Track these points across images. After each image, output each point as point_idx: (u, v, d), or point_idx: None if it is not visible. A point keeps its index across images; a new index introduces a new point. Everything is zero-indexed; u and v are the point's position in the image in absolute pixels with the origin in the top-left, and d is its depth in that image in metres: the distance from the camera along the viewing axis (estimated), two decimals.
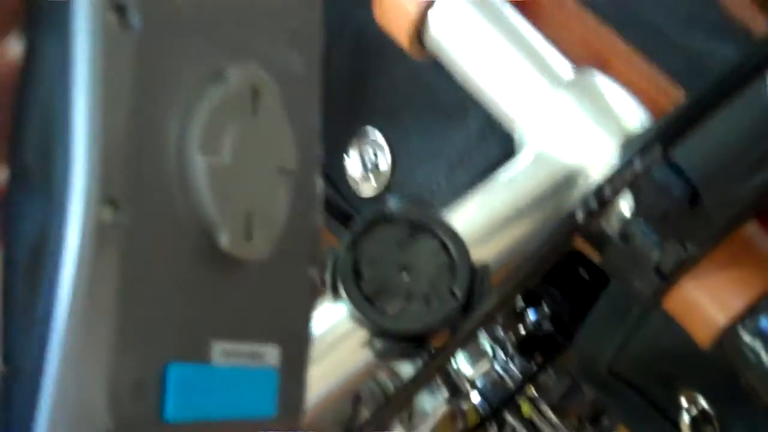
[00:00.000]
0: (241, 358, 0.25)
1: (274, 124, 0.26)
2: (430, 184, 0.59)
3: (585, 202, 0.28)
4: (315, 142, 0.28)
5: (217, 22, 0.24)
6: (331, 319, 0.40)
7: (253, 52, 0.25)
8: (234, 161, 0.24)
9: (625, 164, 0.27)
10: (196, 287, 0.24)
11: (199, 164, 0.23)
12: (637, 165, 0.27)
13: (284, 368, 0.26)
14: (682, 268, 0.37)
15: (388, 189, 0.62)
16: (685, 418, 0.50)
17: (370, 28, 0.61)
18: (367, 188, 0.63)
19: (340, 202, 0.63)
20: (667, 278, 0.38)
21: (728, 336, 0.39)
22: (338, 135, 0.63)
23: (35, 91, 0.21)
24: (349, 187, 0.63)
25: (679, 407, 0.51)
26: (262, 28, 0.26)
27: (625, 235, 0.38)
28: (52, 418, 0.20)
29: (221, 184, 0.23)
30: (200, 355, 0.24)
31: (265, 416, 0.26)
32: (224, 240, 0.23)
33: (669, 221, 0.35)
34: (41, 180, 0.21)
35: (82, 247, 0.20)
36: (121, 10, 0.21)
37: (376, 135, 0.62)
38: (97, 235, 0.21)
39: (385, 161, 0.62)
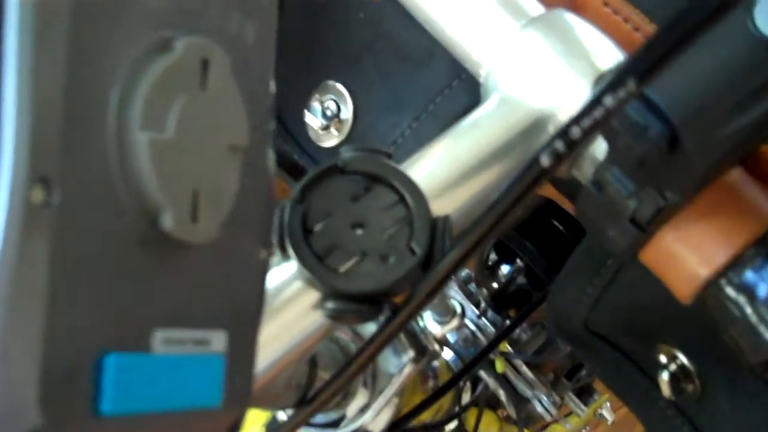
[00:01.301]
0: (185, 346, 0.24)
1: (224, 99, 0.24)
2: (394, 134, 0.56)
3: (551, 145, 0.25)
4: (268, 116, 0.27)
5: None
6: (280, 278, 0.37)
7: (202, 22, 0.24)
8: (179, 137, 0.23)
9: (595, 100, 0.24)
10: (136, 272, 0.22)
11: (140, 141, 0.22)
12: (609, 101, 0.24)
13: (232, 354, 0.25)
14: (661, 218, 0.34)
15: (349, 139, 0.59)
16: (664, 375, 0.48)
17: None
18: (329, 139, 0.60)
19: (299, 156, 0.61)
20: (644, 229, 0.35)
21: (710, 290, 0.36)
22: (298, 87, 0.60)
23: None
24: (309, 139, 0.61)
25: (657, 363, 0.49)
26: None
27: (598, 183, 0.36)
28: None
29: (165, 162, 0.22)
30: (140, 344, 0.22)
31: (210, 406, 0.25)
32: (168, 222, 0.22)
33: (646, 167, 0.32)
34: None
35: (10, 229, 0.19)
36: None
37: (338, 86, 0.59)
38: (26, 217, 0.19)
39: (347, 111, 0.59)
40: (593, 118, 0.24)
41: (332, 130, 0.60)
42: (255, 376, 0.37)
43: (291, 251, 0.35)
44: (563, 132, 0.25)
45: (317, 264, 0.35)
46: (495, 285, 0.79)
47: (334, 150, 0.60)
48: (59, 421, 0.20)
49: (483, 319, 0.82)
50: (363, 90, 0.58)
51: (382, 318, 0.36)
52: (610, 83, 0.24)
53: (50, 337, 0.20)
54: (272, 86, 0.27)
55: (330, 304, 0.35)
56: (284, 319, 0.37)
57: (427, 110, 0.55)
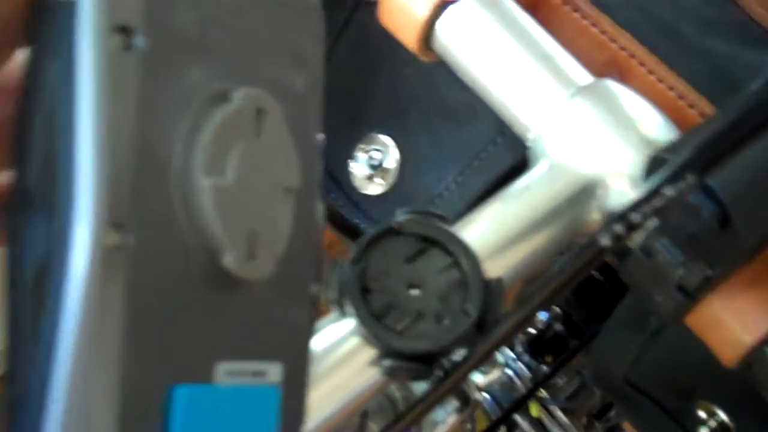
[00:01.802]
0: (245, 377, 0.25)
1: (277, 144, 0.25)
2: (439, 187, 0.58)
3: (610, 228, 0.27)
4: (316, 159, 0.28)
5: (222, 45, 0.24)
6: (338, 335, 0.38)
7: (256, 74, 0.25)
8: (238, 181, 0.24)
9: (655, 190, 0.26)
10: (200, 308, 0.23)
11: (203, 186, 0.23)
12: (669, 192, 0.25)
13: (286, 385, 0.26)
14: (708, 286, 0.36)
15: (394, 189, 0.61)
16: (703, 431, 0.49)
17: (373, 27, 0.59)
18: (373, 187, 0.62)
19: (343, 203, 0.62)
20: (691, 296, 0.36)
21: (754, 355, 0.37)
22: (344, 138, 0.62)
23: (37, 112, 0.21)
24: (353, 187, 0.62)
25: (696, 419, 0.49)
26: (265, 49, 0.25)
27: (647, 250, 0.37)
28: None
29: (225, 204, 0.23)
30: (205, 376, 0.23)
31: None
32: (228, 260, 0.23)
33: (696, 241, 0.34)
34: (44, 203, 0.21)
35: (88, 272, 0.20)
36: (125, 32, 0.21)
37: (383, 137, 0.61)
38: (104, 259, 0.20)
39: (391, 161, 0.60)
40: (652, 207, 0.26)
41: (376, 179, 0.61)
42: (314, 428, 0.38)
43: (349, 309, 0.37)
44: (623, 216, 0.26)
45: (375, 322, 0.36)
46: (532, 331, 0.80)
47: (379, 199, 0.62)
48: None
49: (519, 363, 0.82)
50: (408, 142, 0.60)
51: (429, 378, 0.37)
52: (672, 175, 0.25)
53: (126, 373, 0.21)
54: (320, 132, 0.28)
55: (386, 362, 0.37)
56: (342, 374, 0.38)
57: (472, 165, 0.56)
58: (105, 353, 0.21)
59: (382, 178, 0.61)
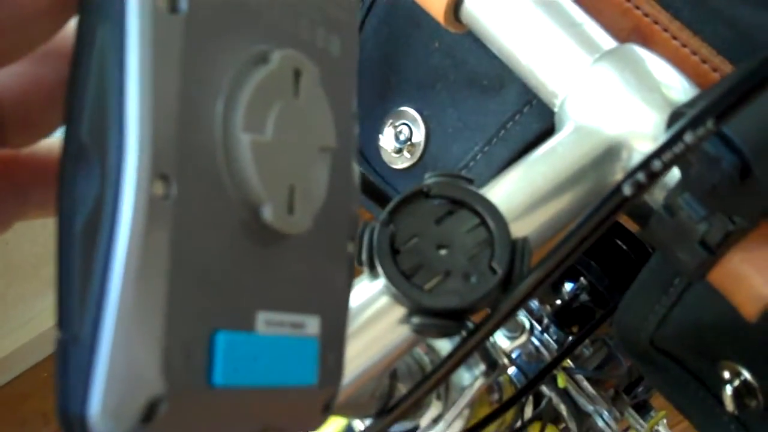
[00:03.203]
0: (284, 328, 0.26)
1: (313, 105, 0.26)
2: (466, 158, 0.58)
3: (633, 176, 0.28)
4: (352, 121, 0.29)
5: (260, 8, 0.25)
6: (368, 295, 0.40)
7: (294, 37, 0.26)
8: (276, 139, 0.25)
9: (675, 137, 0.27)
10: (241, 259, 0.24)
11: (243, 141, 0.24)
12: (689, 138, 0.26)
13: (324, 338, 0.27)
14: (729, 241, 0.36)
15: (422, 161, 0.62)
16: (728, 390, 0.50)
17: (399, 2, 0.60)
18: (402, 161, 0.63)
19: (373, 177, 0.63)
20: (714, 251, 0.37)
21: None
22: (373, 113, 0.63)
23: (88, 71, 0.22)
24: (382, 160, 0.63)
25: (721, 379, 0.50)
26: (303, 14, 0.27)
27: (669, 208, 0.38)
28: (107, 382, 0.21)
29: (264, 160, 0.24)
30: (246, 324, 0.24)
31: (307, 384, 0.27)
32: (268, 213, 0.24)
33: (717, 194, 0.34)
34: (96, 156, 0.22)
35: (135, 219, 0.21)
36: None
37: (411, 111, 0.62)
38: (150, 208, 0.22)
39: (419, 135, 0.61)
40: (673, 153, 0.26)
41: (405, 153, 0.62)
42: (346, 386, 0.39)
43: (379, 269, 0.38)
44: (645, 164, 0.27)
45: (404, 282, 0.38)
46: (558, 302, 0.81)
47: (407, 171, 0.63)
48: (178, 389, 0.22)
49: (546, 335, 0.83)
50: (435, 115, 0.61)
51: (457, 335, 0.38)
52: (691, 121, 0.26)
53: (171, 316, 0.22)
54: (354, 94, 0.29)
55: (416, 319, 0.38)
56: (372, 332, 0.40)
57: (499, 135, 0.57)
58: (151, 296, 0.22)
59: (410, 152, 0.62)
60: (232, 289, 0.24)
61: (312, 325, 0.27)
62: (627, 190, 0.28)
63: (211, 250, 0.23)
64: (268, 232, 0.25)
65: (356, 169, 0.29)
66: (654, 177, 0.27)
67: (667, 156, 0.27)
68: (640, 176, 0.28)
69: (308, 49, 0.26)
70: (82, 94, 0.22)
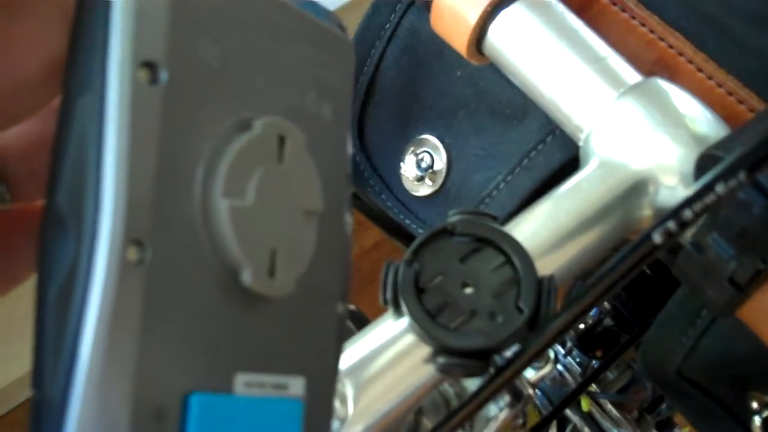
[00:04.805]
0: (265, 389, 0.26)
1: (299, 170, 0.27)
2: (488, 187, 0.58)
3: (663, 224, 0.27)
4: (344, 183, 0.29)
5: (246, 77, 0.26)
6: (392, 334, 0.39)
7: (280, 104, 0.27)
8: (258, 204, 0.25)
9: (707, 187, 0.26)
10: (219, 321, 0.25)
11: (222, 207, 0.24)
12: (720, 189, 0.26)
13: (310, 399, 0.27)
14: (759, 279, 0.36)
15: (443, 189, 0.61)
16: (756, 421, 0.49)
17: (422, 30, 0.60)
18: (423, 188, 0.62)
19: (393, 204, 0.63)
20: (743, 289, 0.37)
21: None
22: (394, 140, 0.63)
23: (69, 140, 0.23)
24: (404, 188, 0.63)
25: (749, 410, 0.50)
26: (291, 81, 0.27)
27: (698, 246, 0.37)
28: None
29: (244, 224, 0.25)
30: (223, 386, 0.25)
31: None
32: (247, 277, 0.25)
33: (746, 236, 0.34)
34: (72, 221, 0.22)
35: (107, 284, 0.22)
36: (150, 67, 0.23)
37: (432, 139, 0.61)
38: (122, 273, 0.22)
39: (440, 162, 0.61)
40: (704, 203, 0.26)
41: (427, 180, 0.62)
42: (372, 425, 0.39)
43: (404, 308, 0.38)
44: (675, 212, 0.27)
45: (429, 321, 0.37)
46: (582, 326, 0.80)
47: (428, 199, 0.62)
48: None
49: (569, 358, 0.83)
50: (457, 143, 0.60)
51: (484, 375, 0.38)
52: (723, 173, 0.26)
53: (141, 379, 0.22)
54: (348, 158, 0.29)
55: (441, 359, 0.37)
56: (397, 372, 0.39)
57: (522, 165, 0.56)
58: (121, 360, 0.22)
59: (432, 180, 0.62)
60: (208, 351, 0.24)
61: (296, 386, 0.27)
62: (657, 238, 0.28)
63: (186, 313, 0.24)
64: (249, 295, 0.25)
65: (348, 229, 0.29)
66: (684, 226, 0.27)
67: (698, 206, 0.26)
68: (671, 225, 0.27)
69: (296, 115, 0.27)
70: (62, 161, 0.23)
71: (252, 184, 0.25)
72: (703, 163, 0.36)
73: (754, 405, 0.50)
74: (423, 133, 0.62)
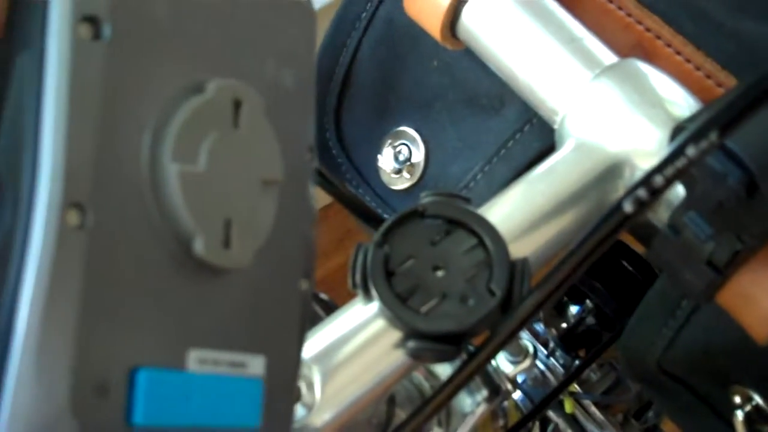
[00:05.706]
0: (221, 366, 0.25)
1: (256, 136, 0.26)
2: (466, 178, 0.57)
3: (634, 192, 0.26)
4: (307, 154, 0.28)
5: (201, 39, 0.25)
6: (362, 319, 0.38)
7: (237, 68, 0.26)
8: (211, 170, 0.24)
9: (678, 150, 0.25)
10: (170, 293, 0.24)
11: (171, 171, 0.23)
12: (691, 151, 0.25)
13: (271, 380, 0.26)
14: (737, 260, 0.35)
15: (421, 183, 0.61)
16: (739, 416, 0.48)
17: (399, 20, 0.59)
18: (401, 182, 0.61)
19: (371, 198, 0.62)
20: (722, 271, 0.36)
21: None
22: (371, 133, 0.62)
23: (7, 98, 0.22)
24: (381, 182, 0.62)
25: (732, 404, 0.49)
26: (249, 45, 0.26)
27: (675, 227, 0.36)
28: (15, 419, 0.20)
29: (196, 191, 0.24)
30: (174, 362, 0.24)
31: (249, 426, 0.26)
32: (199, 246, 0.24)
33: (723, 212, 0.33)
34: (11, 185, 0.21)
35: (45, 248, 0.21)
36: (92, 21, 0.22)
37: (410, 131, 0.61)
38: (61, 237, 0.21)
39: (418, 155, 0.60)
40: (675, 167, 0.25)
41: (404, 173, 0.61)
42: (340, 413, 0.38)
43: (373, 292, 0.37)
44: (646, 180, 0.26)
45: (399, 305, 0.36)
46: (564, 325, 0.79)
47: (406, 192, 0.61)
48: (92, 429, 0.21)
49: (552, 359, 0.82)
50: (435, 135, 0.59)
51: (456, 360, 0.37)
52: (693, 134, 0.25)
53: (82, 351, 0.21)
54: (312, 127, 0.28)
55: (411, 344, 0.36)
56: (367, 357, 0.38)
57: (499, 154, 0.56)
58: (59, 330, 0.21)
59: (410, 172, 0.61)
60: (158, 323, 0.23)
61: (256, 365, 0.26)
62: (628, 207, 0.27)
63: (133, 282, 0.23)
64: (203, 266, 0.24)
65: (313, 203, 0.28)
66: (656, 193, 0.26)
67: (669, 171, 0.26)
68: (642, 192, 0.26)
69: (253, 80, 0.26)
70: (1, 123, 0.22)
71: (204, 149, 0.24)
72: (675, 136, 0.35)
73: (737, 399, 0.49)
74: (400, 125, 0.61)
